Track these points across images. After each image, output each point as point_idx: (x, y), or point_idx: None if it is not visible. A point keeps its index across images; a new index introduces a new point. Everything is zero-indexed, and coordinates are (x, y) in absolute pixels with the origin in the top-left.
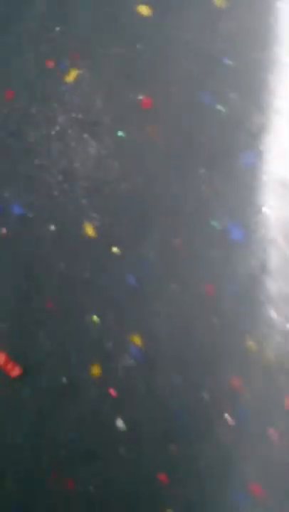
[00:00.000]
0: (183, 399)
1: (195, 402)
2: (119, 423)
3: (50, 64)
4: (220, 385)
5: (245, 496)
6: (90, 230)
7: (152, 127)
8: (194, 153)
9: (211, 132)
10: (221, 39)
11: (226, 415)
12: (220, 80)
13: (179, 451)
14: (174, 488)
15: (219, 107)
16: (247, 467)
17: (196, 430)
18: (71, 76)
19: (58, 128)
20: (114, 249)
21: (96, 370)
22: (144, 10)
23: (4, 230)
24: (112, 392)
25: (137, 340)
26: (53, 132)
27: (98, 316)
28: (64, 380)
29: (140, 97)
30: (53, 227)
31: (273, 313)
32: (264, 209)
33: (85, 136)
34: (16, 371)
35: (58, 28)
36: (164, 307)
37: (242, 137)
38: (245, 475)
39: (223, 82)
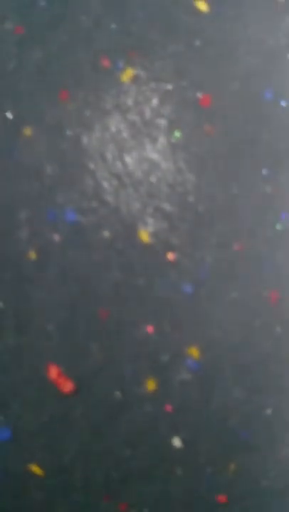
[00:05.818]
0: (244, 415)
1: (257, 418)
2: (176, 441)
3: (106, 63)
4: (285, 400)
5: None
6: (144, 236)
7: (211, 126)
8: (256, 153)
9: (275, 130)
10: (284, 34)
11: None
12: (283, 76)
13: (239, 471)
14: (234, 510)
15: (283, 103)
16: None
17: (259, 449)
18: (127, 75)
19: (112, 130)
20: (170, 256)
21: (151, 385)
22: (201, 5)
23: (57, 237)
24: (168, 407)
25: (194, 352)
26: (107, 135)
27: (153, 327)
28: (117, 394)
29: (199, 95)
30: (106, 234)
31: None
32: None
33: (140, 137)
34: (68, 386)
35: (113, 26)
36: (224, 316)
37: None
38: None
39: (287, 77)
